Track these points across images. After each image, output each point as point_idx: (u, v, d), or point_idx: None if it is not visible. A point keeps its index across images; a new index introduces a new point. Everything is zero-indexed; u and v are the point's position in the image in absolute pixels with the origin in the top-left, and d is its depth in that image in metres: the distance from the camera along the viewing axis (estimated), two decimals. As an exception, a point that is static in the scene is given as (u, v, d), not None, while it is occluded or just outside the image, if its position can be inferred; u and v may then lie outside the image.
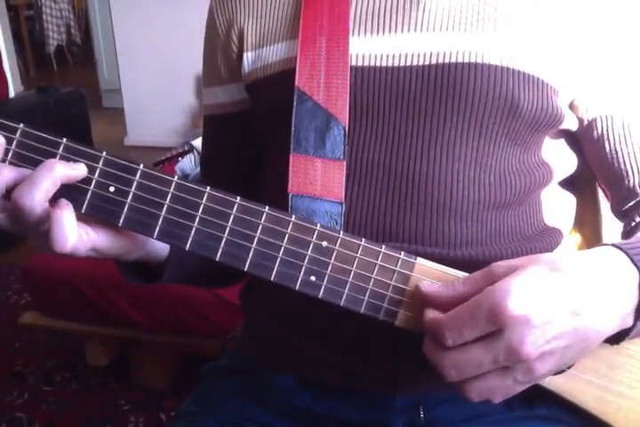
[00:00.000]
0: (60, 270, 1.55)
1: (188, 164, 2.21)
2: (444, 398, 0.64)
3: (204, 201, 0.49)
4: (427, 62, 0.59)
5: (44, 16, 5.89)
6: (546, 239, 0.63)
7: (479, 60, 0.58)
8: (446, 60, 0.58)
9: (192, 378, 1.72)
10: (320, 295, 0.51)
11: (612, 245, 0.52)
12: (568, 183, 0.69)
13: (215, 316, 1.49)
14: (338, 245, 0.51)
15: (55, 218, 0.46)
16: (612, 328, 0.49)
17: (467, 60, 0.58)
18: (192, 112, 3.71)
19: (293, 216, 0.50)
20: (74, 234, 0.47)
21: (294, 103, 0.60)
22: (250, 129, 0.71)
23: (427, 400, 0.64)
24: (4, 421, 1.64)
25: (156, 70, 3.65)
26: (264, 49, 0.65)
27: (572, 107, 0.64)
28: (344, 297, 0.51)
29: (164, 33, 3.51)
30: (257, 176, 0.71)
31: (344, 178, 0.59)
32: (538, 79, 0.59)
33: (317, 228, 0.50)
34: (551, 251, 0.64)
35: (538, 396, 0.53)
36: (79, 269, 1.54)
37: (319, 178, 0.59)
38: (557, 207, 0.66)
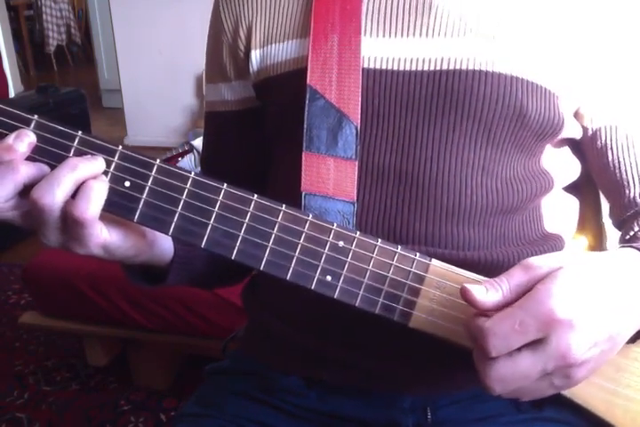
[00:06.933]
0: (59, 270, 1.55)
1: (188, 164, 2.21)
2: (451, 399, 0.64)
3: (220, 198, 0.49)
4: (437, 68, 0.59)
5: (44, 16, 5.89)
6: (549, 243, 0.63)
7: (489, 69, 0.58)
8: (457, 67, 0.58)
9: (192, 378, 1.73)
10: (335, 296, 0.51)
11: (631, 246, 0.52)
12: (571, 186, 0.70)
13: (215, 316, 1.49)
14: (354, 245, 0.50)
15: (88, 186, 0.45)
16: (633, 331, 0.49)
17: (477, 68, 0.58)
18: (192, 112, 3.71)
19: (310, 215, 0.50)
20: (98, 205, 0.46)
21: (306, 101, 0.59)
22: (253, 127, 0.70)
23: (434, 401, 0.64)
24: (3, 421, 1.64)
25: (156, 70, 3.65)
26: (272, 46, 0.64)
27: (577, 115, 0.64)
28: (359, 298, 0.51)
29: (164, 33, 3.51)
30: (261, 176, 0.71)
31: (356, 177, 0.58)
32: (545, 89, 0.59)
33: (334, 227, 0.50)
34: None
35: (547, 398, 0.53)
36: (79, 268, 1.54)
37: (332, 177, 0.58)
38: (558, 213, 0.67)
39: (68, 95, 2.94)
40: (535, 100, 0.59)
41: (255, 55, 0.65)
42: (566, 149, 0.68)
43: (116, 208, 0.48)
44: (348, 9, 0.61)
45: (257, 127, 0.70)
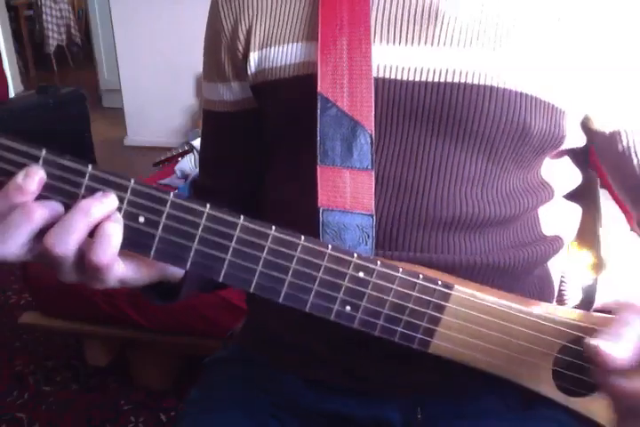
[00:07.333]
0: (60, 270, 1.55)
1: (188, 164, 2.22)
2: (442, 398, 0.64)
3: (237, 232, 0.47)
4: (442, 79, 0.57)
5: (44, 16, 5.89)
6: (546, 244, 0.63)
7: (494, 84, 0.57)
8: (462, 80, 0.57)
9: (192, 378, 1.72)
10: (354, 326, 0.50)
11: None
12: (570, 195, 0.69)
13: (215, 316, 1.49)
14: (374, 276, 0.49)
15: (104, 230, 0.44)
16: None
17: (482, 83, 0.57)
18: (192, 112, 3.71)
19: (330, 246, 0.48)
20: (115, 248, 0.45)
21: (318, 111, 0.57)
22: (253, 128, 0.69)
23: (424, 400, 0.64)
24: (4, 421, 1.64)
25: (156, 70, 3.65)
26: (272, 49, 0.62)
27: (585, 121, 0.63)
28: (378, 328, 0.50)
29: (164, 33, 3.51)
30: (260, 176, 0.70)
31: (373, 188, 0.57)
32: (550, 105, 0.58)
33: (354, 259, 0.49)
34: (551, 256, 0.65)
35: (537, 396, 0.53)
36: (79, 269, 1.54)
37: (349, 190, 0.57)
38: (557, 216, 0.66)
39: (68, 95, 2.94)
40: (539, 117, 0.58)
41: (253, 57, 0.63)
42: (566, 159, 0.67)
43: (132, 246, 0.46)
44: (356, 14, 0.59)
45: (256, 128, 0.69)
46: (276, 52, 0.62)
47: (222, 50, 0.67)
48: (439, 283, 0.50)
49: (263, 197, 0.69)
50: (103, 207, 0.44)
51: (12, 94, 3.82)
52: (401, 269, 0.49)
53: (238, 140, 0.72)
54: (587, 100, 0.61)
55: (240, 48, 0.65)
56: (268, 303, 0.69)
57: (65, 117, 2.84)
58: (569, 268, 0.71)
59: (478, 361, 0.52)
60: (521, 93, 0.57)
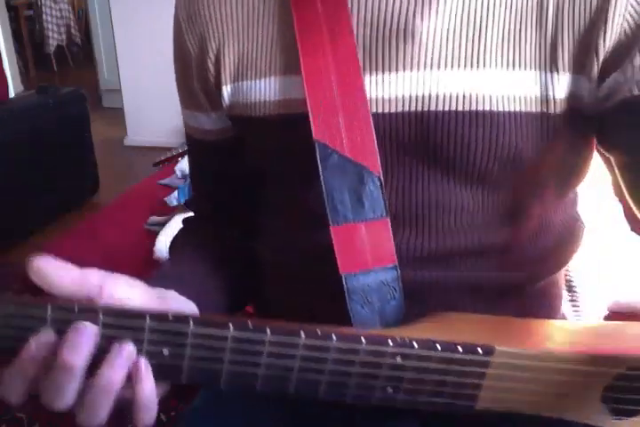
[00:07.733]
0: (59, 271, 1.55)
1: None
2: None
3: (266, 348, 0.45)
4: (425, 108, 0.52)
5: (44, 16, 5.89)
6: (552, 258, 0.62)
7: (479, 108, 0.51)
8: (446, 108, 0.51)
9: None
10: (397, 405, 0.49)
11: None
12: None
13: (215, 316, 1.49)
14: (412, 359, 0.47)
15: (141, 400, 0.43)
16: None
17: (467, 108, 0.51)
18: (192, 112, 3.71)
19: (363, 340, 0.46)
20: (155, 408, 0.44)
21: (318, 161, 0.51)
22: (239, 155, 0.65)
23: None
24: (3, 421, 1.64)
25: (156, 70, 3.64)
26: (246, 82, 0.57)
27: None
28: (421, 403, 0.49)
29: (164, 33, 3.48)
30: (250, 198, 0.68)
31: (392, 236, 0.52)
32: (545, 114, 0.53)
33: (389, 348, 0.47)
34: (560, 268, 0.64)
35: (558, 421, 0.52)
36: (79, 269, 1.54)
37: (367, 247, 0.52)
38: (562, 227, 0.64)
39: (68, 95, 2.93)
40: (531, 134, 0.53)
41: (226, 90, 0.58)
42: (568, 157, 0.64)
43: (162, 379, 0.46)
44: (339, 42, 0.52)
45: (244, 155, 0.64)
46: (251, 87, 0.57)
47: (194, 80, 0.62)
48: (479, 352, 0.48)
49: (271, 251, 0.65)
50: (122, 368, 0.42)
51: (12, 94, 3.81)
52: (439, 347, 0.47)
53: (224, 167, 0.68)
54: (593, 92, 0.53)
55: (211, 78, 0.59)
56: (279, 311, 0.68)
57: (65, 117, 2.83)
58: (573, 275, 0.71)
59: (524, 409, 0.51)
60: (510, 113, 0.52)
